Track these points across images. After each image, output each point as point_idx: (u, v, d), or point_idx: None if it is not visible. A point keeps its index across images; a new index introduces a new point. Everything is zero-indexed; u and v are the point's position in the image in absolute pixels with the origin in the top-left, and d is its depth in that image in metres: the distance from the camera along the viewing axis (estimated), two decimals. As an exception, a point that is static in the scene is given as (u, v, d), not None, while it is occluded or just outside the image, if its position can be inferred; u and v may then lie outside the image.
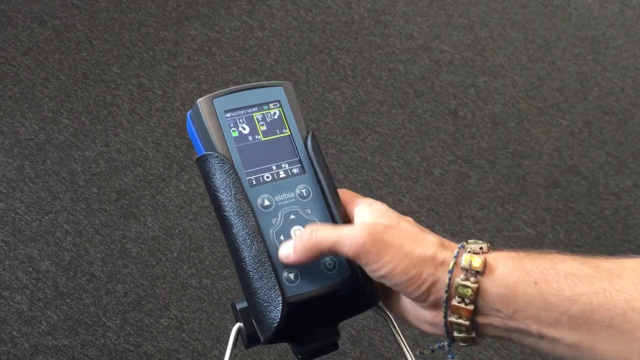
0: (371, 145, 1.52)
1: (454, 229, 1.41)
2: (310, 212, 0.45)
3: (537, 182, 1.55)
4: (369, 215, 0.43)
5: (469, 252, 0.40)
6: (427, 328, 0.43)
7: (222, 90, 0.46)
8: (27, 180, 1.33)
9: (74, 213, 1.30)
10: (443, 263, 0.40)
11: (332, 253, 0.42)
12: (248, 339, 0.44)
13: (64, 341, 1.16)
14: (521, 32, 1.85)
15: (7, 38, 1.52)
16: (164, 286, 1.25)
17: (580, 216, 1.52)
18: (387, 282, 0.41)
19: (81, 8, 1.60)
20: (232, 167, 0.44)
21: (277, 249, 0.43)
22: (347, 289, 0.43)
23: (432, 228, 1.43)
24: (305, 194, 0.45)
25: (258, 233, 0.42)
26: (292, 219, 0.44)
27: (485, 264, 0.39)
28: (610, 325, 0.35)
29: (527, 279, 0.38)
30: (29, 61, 1.49)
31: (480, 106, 1.66)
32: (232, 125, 0.46)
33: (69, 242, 1.27)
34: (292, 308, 0.41)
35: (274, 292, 0.41)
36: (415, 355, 0.46)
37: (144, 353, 1.18)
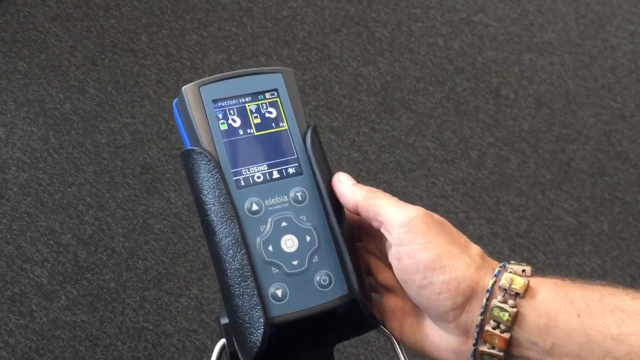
0: (406, 124, 1.45)
1: (489, 216, 1.34)
2: (305, 219, 0.39)
3: (582, 169, 1.46)
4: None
5: (510, 272, 0.35)
6: (450, 358, 0.37)
7: (211, 77, 0.41)
8: (51, 150, 1.30)
9: (97, 186, 1.28)
10: (483, 278, 0.35)
11: (377, 219, 0.37)
12: (231, 358, 0.39)
13: (82, 317, 1.14)
14: (572, 5, 1.73)
15: (35, 3, 1.48)
16: (185, 264, 1.22)
17: (627, 206, 1.42)
18: (418, 280, 0.36)
19: (111, -27, 1.55)
20: (218, 165, 0.39)
21: (264, 261, 0.37)
22: (344, 310, 0.38)
23: (467, 214, 1.36)
24: (300, 198, 0.40)
25: (242, 242, 0.37)
26: (284, 226, 0.38)
27: (527, 287, 0.35)
28: None
29: (570, 309, 0.34)
30: (56, 28, 1.46)
31: (525, 85, 1.56)
32: (220, 117, 0.40)
33: (91, 216, 1.24)
34: (277, 330, 0.36)
35: (256, 311, 0.36)
36: None
37: (163, 332, 1.15)
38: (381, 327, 0.39)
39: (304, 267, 0.38)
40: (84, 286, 1.17)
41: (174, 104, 0.42)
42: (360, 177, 1.36)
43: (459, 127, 1.47)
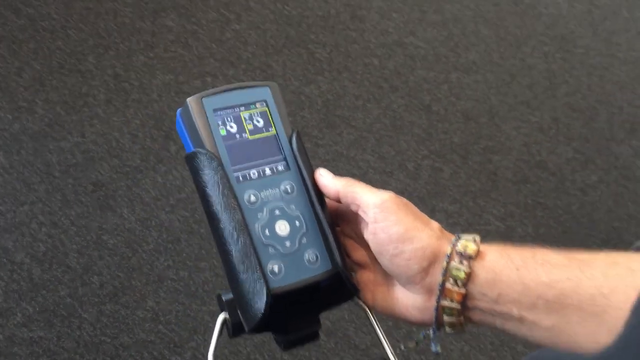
0: (347, 139, 1.55)
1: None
2: (294, 208, 0.46)
3: (507, 177, 1.59)
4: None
5: (465, 239, 0.44)
6: (416, 315, 0.45)
7: (211, 90, 0.48)
8: (1, 170, 1.31)
9: (50, 204, 1.30)
10: (443, 246, 0.44)
11: (355, 202, 0.46)
12: (233, 328, 0.46)
13: (39, 333, 1.16)
14: (493, 29, 1.89)
15: (-21, 25, 1.49)
16: (140, 278, 1.26)
17: (548, 211, 1.56)
18: (391, 250, 0.44)
19: (55, -4, 1.58)
20: (220, 163, 0.45)
21: (262, 243, 0.45)
22: (329, 281, 0.45)
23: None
24: (289, 190, 0.47)
25: (244, 227, 0.44)
26: (277, 214, 0.46)
27: (478, 251, 0.43)
28: (581, 309, 0.39)
29: (511, 265, 0.42)
30: (2, 50, 1.47)
31: (453, 102, 1.69)
32: (220, 123, 0.47)
33: (44, 234, 1.26)
34: (275, 299, 0.43)
35: (259, 284, 0.43)
36: (395, 352, 0.49)
37: (120, 345, 1.18)
38: (356, 299, 0.47)
39: (295, 247, 0.45)
40: (39, 303, 1.19)
41: (177, 113, 0.48)
42: (306, 190, 1.44)
43: (396, 141, 1.58)
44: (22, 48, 1.49)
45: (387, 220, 0.44)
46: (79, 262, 1.25)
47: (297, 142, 0.48)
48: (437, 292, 0.43)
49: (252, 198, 0.46)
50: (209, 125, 0.46)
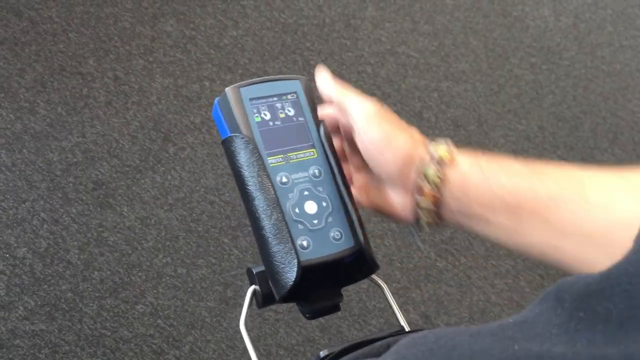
0: (340, 143, 1.59)
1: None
2: (321, 190, 0.50)
3: (495, 183, 1.65)
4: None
5: (438, 145, 0.49)
6: (400, 213, 0.51)
7: (247, 81, 0.52)
8: (3, 168, 1.34)
9: (51, 202, 1.33)
10: (418, 151, 0.49)
11: (346, 113, 0.51)
12: (263, 299, 0.50)
13: (41, 326, 1.19)
14: (482, 40, 1.95)
15: (-18, 27, 1.52)
16: (139, 274, 1.29)
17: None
18: (376, 154, 0.49)
19: (57, 1, 1.62)
20: (256, 147, 0.49)
21: (292, 220, 0.49)
22: (352, 257, 0.49)
23: (400, 225, 1.50)
24: (317, 174, 0.51)
25: (277, 204, 0.48)
26: (306, 194, 0.50)
27: (451, 157, 0.48)
28: (535, 213, 0.44)
29: (479, 172, 0.47)
30: (5, 52, 1.50)
31: (444, 109, 1.75)
32: (255, 111, 0.51)
33: (46, 230, 1.29)
34: (304, 270, 0.47)
35: (291, 255, 0.47)
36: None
37: (120, 338, 1.21)
38: (373, 276, 0.51)
39: (322, 225, 0.49)
40: (41, 297, 1.22)
41: (215, 101, 0.53)
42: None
43: (388, 146, 1.62)
44: (24, 50, 1.52)
45: (370, 128, 0.49)
46: (79, 258, 1.27)
47: (325, 131, 0.52)
48: (414, 192, 0.48)
49: (284, 179, 0.50)
50: (246, 112, 0.51)
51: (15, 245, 1.26)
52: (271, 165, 0.50)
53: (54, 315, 1.20)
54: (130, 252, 1.31)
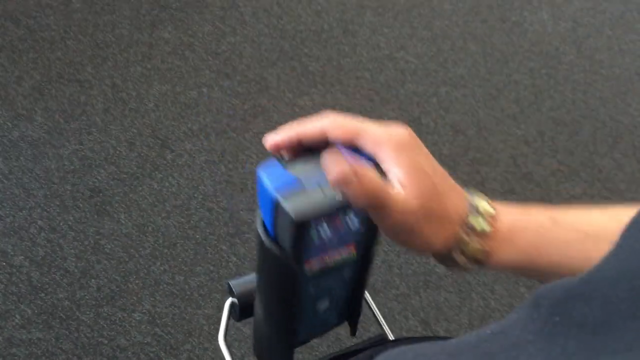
0: (339, 149, 1.59)
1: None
2: (341, 291, 0.46)
3: (495, 188, 1.64)
4: (404, 171, 0.41)
5: (477, 216, 0.42)
6: (426, 248, 0.44)
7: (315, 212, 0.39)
8: (0, 176, 1.34)
9: (48, 209, 1.32)
10: (456, 229, 0.42)
11: (379, 207, 0.40)
12: (240, 313, 0.48)
13: (37, 334, 1.18)
14: (480, 45, 1.95)
15: (-20, 35, 1.52)
16: (137, 282, 1.28)
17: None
18: (425, 228, 0.42)
19: (55, 8, 1.62)
20: (293, 268, 0.41)
21: (301, 312, 0.45)
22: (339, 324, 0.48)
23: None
24: (346, 278, 0.45)
25: (294, 305, 0.44)
26: (325, 295, 0.45)
27: (491, 226, 0.42)
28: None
29: (522, 236, 0.43)
30: (2, 59, 1.50)
31: (442, 115, 1.74)
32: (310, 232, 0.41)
33: (43, 238, 1.29)
34: (294, 345, 0.46)
35: (287, 342, 0.45)
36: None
37: (117, 346, 1.21)
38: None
39: (323, 314, 0.46)
40: (38, 305, 1.21)
41: (273, 198, 0.40)
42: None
43: (387, 152, 1.62)
44: (21, 58, 1.52)
45: (417, 233, 0.41)
46: (77, 266, 1.27)
47: (372, 235, 0.44)
48: (456, 257, 0.43)
49: (312, 289, 0.44)
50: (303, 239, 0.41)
51: (12, 253, 1.25)
52: (305, 275, 0.42)
53: (51, 324, 1.20)
54: (127, 259, 1.30)
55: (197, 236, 1.36)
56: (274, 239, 0.40)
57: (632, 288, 0.24)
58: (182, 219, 1.38)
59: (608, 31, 2.15)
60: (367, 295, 0.52)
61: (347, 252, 0.43)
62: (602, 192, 1.72)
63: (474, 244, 0.42)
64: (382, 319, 0.52)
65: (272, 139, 0.41)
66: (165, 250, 1.33)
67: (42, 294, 1.22)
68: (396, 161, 0.40)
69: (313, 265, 0.42)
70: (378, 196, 0.39)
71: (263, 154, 1.51)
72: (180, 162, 1.45)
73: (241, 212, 1.42)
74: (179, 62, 1.62)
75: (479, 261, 0.43)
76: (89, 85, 1.52)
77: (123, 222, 1.34)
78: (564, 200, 1.68)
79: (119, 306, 1.25)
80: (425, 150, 0.42)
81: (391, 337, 0.51)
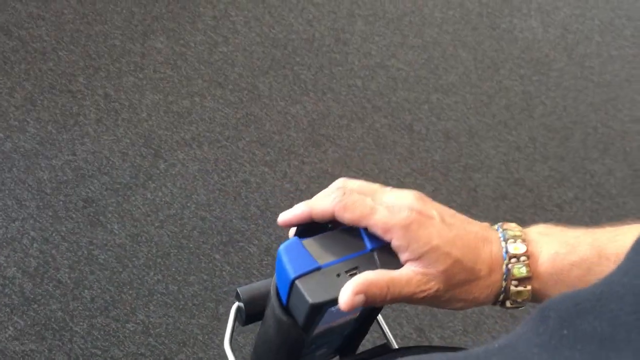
0: (332, 157, 1.59)
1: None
2: (339, 342, 0.49)
3: (487, 194, 1.65)
4: (414, 253, 0.42)
5: (514, 263, 0.43)
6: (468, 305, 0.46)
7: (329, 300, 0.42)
8: (-8, 187, 1.34)
9: (41, 220, 1.32)
10: (496, 280, 0.43)
11: (385, 295, 0.41)
12: (246, 317, 0.49)
13: (31, 346, 1.17)
14: (471, 52, 1.96)
15: (-29, 47, 1.52)
16: (130, 292, 1.28)
17: (526, 226, 1.62)
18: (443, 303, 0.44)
19: (47, 20, 1.62)
20: (301, 336, 0.44)
21: None
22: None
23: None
24: (344, 333, 0.48)
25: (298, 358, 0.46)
26: (324, 346, 0.48)
27: (530, 269, 0.43)
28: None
29: (562, 270, 0.44)
30: (-6, 70, 1.50)
31: (434, 122, 1.75)
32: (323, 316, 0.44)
33: (36, 249, 1.28)
34: None
35: None
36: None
37: (111, 357, 1.20)
38: None
39: (318, 356, 0.49)
40: (31, 317, 1.21)
41: (294, 281, 0.42)
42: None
43: (379, 159, 1.63)
44: (13, 69, 1.52)
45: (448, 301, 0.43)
46: (70, 277, 1.27)
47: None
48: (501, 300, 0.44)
49: (313, 345, 0.47)
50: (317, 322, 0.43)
51: (5, 264, 1.25)
52: (310, 338, 0.45)
53: (44, 335, 1.19)
54: (121, 269, 1.30)
55: (191, 245, 1.36)
56: (287, 307, 0.43)
57: (639, 302, 0.24)
58: (176, 229, 1.38)
59: (597, 38, 2.16)
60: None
61: (351, 316, 0.45)
62: (594, 197, 1.73)
63: (519, 288, 0.42)
64: (386, 327, 0.52)
65: (284, 218, 0.44)
66: (159, 260, 1.33)
67: (35, 305, 1.22)
68: (405, 244, 0.41)
69: (319, 330, 0.43)
70: (388, 293, 0.40)
71: (256, 162, 1.51)
72: (173, 172, 1.45)
73: (234, 220, 1.42)
74: (171, 71, 1.62)
75: (532, 300, 0.43)
76: (81, 96, 1.52)
77: (116, 232, 1.34)
78: (556, 205, 1.69)
79: (112, 317, 1.24)
80: (436, 213, 0.43)
81: (395, 345, 0.52)
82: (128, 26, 1.67)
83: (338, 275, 0.41)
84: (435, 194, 1.60)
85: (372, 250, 0.43)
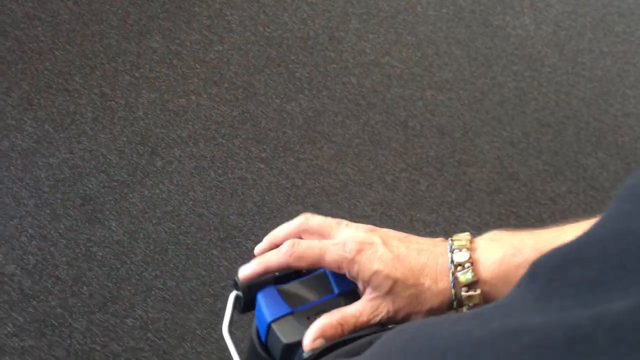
0: (327, 153, 1.61)
1: (405, 232, 1.50)
2: None
3: (481, 189, 1.66)
4: (360, 277, 0.47)
5: (460, 270, 0.46)
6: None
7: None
8: (-10, 186, 1.35)
9: (39, 218, 1.33)
10: (445, 288, 0.46)
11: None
12: (244, 304, 0.51)
13: (30, 342, 1.18)
14: (464, 50, 1.98)
15: (-32, 47, 1.53)
16: (129, 288, 1.29)
17: (520, 219, 1.63)
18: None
19: (43, 20, 1.63)
20: None
21: None
22: None
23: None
24: None
25: None
26: None
27: (476, 274, 0.46)
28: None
29: (505, 270, 0.47)
30: (-9, 70, 1.51)
31: (429, 118, 1.77)
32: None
33: (34, 246, 1.29)
34: None
35: None
36: None
37: (111, 352, 1.21)
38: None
39: None
40: (30, 313, 1.22)
41: (270, 325, 0.49)
42: (290, 202, 1.49)
43: (374, 155, 1.64)
44: (10, 69, 1.53)
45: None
46: (68, 274, 1.27)
47: None
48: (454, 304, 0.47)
49: None
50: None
51: (4, 262, 1.26)
52: None
53: (44, 331, 1.20)
54: (119, 266, 1.31)
55: (188, 241, 1.37)
56: (266, 345, 0.50)
57: (622, 246, 0.25)
58: (173, 225, 1.39)
59: (589, 34, 2.18)
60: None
61: None
62: (587, 191, 1.74)
63: (469, 293, 0.46)
64: None
65: (244, 274, 0.50)
66: (157, 256, 1.34)
67: (34, 302, 1.23)
68: (355, 275, 0.47)
69: None
70: (344, 328, 0.46)
71: (252, 159, 1.53)
72: (170, 169, 1.46)
73: (231, 217, 1.43)
74: (167, 70, 1.63)
75: (487, 302, 0.46)
76: (77, 95, 1.53)
77: (114, 229, 1.35)
78: (550, 199, 1.71)
79: (111, 312, 1.25)
80: (379, 239, 0.48)
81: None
82: (124, 26, 1.68)
83: (308, 318, 0.48)
84: (431, 189, 1.61)
85: (339, 294, 0.49)
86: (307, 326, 0.47)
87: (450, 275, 0.46)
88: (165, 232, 1.38)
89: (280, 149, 1.57)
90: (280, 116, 1.64)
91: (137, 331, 1.24)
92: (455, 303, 0.46)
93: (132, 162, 1.45)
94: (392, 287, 0.46)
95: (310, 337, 0.46)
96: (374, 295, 0.46)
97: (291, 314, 0.48)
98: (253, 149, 1.55)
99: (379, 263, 0.46)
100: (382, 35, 1.92)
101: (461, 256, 0.47)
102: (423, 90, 1.83)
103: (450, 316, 0.33)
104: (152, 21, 1.71)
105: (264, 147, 1.57)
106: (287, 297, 0.49)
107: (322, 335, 0.45)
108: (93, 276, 1.29)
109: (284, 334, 0.47)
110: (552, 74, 2.01)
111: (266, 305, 0.49)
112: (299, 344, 0.47)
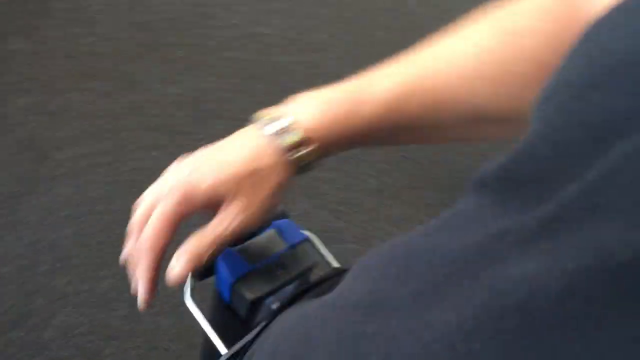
0: (219, 130, 1.60)
1: (309, 193, 1.55)
2: None
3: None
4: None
5: (287, 138, 0.43)
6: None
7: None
8: None
9: None
10: (273, 159, 0.43)
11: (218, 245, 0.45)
12: (202, 272, 0.51)
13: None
14: (335, 9, 2.03)
15: None
16: (41, 300, 1.24)
17: (411, 162, 1.73)
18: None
19: None
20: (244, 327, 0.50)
21: None
22: None
23: (292, 195, 1.55)
24: None
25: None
26: None
27: (306, 137, 0.43)
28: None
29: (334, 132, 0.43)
30: None
31: (313, 81, 1.81)
32: None
33: None
34: None
35: None
36: None
37: (36, 367, 1.17)
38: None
39: None
40: (-62, 347, 1.14)
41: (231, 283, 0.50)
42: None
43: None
44: None
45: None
46: (-28, 298, 1.21)
47: None
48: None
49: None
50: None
51: None
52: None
53: (-43, 362, 1.13)
54: (26, 280, 1.26)
55: (94, 242, 1.34)
56: (229, 305, 0.51)
57: (554, 145, 0.24)
58: (75, 228, 1.34)
59: None
60: (314, 238, 0.54)
61: None
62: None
63: (301, 152, 0.42)
64: (332, 258, 0.54)
65: (141, 301, 0.45)
66: (64, 262, 1.30)
67: (-59, 334, 1.15)
68: (201, 203, 0.43)
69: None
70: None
71: (144, 148, 1.50)
72: (62, 172, 1.41)
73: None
74: (37, 71, 1.56)
75: (324, 156, 0.44)
76: None
77: (12, 243, 1.29)
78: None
79: (28, 327, 1.20)
80: (196, 158, 0.44)
81: (336, 264, 0.53)
82: (-22, 31, 1.58)
83: (268, 272, 0.50)
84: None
85: (291, 246, 0.51)
86: (268, 281, 0.49)
87: (276, 146, 0.43)
88: (68, 237, 1.33)
89: (171, 133, 1.56)
90: (164, 101, 1.61)
91: (59, 340, 1.20)
92: (298, 169, 0.44)
93: (18, 172, 1.38)
94: (234, 189, 0.43)
95: (179, 262, 0.42)
96: (225, 206, 0.43)
97: (252, 271, 0.50)
98: (143, 137, 1.52)
99: (209, 177, 0.43)
100: (252, 5, 1.92)
101: (275, 125, 0.44)
102: (302, 54, 1.86)
103: (420, 230, 0.32)
104: (11, 22, 1.62)
105: (154, 134, 1.54)
106: (245, 256, 0.51)
107: (189, 257, 0.43)
108: (2, 294, 1.22)
109: (248, 290, 0.49)
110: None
111: (227, 267, 0.50)
112: (262, 298, 0.49)
